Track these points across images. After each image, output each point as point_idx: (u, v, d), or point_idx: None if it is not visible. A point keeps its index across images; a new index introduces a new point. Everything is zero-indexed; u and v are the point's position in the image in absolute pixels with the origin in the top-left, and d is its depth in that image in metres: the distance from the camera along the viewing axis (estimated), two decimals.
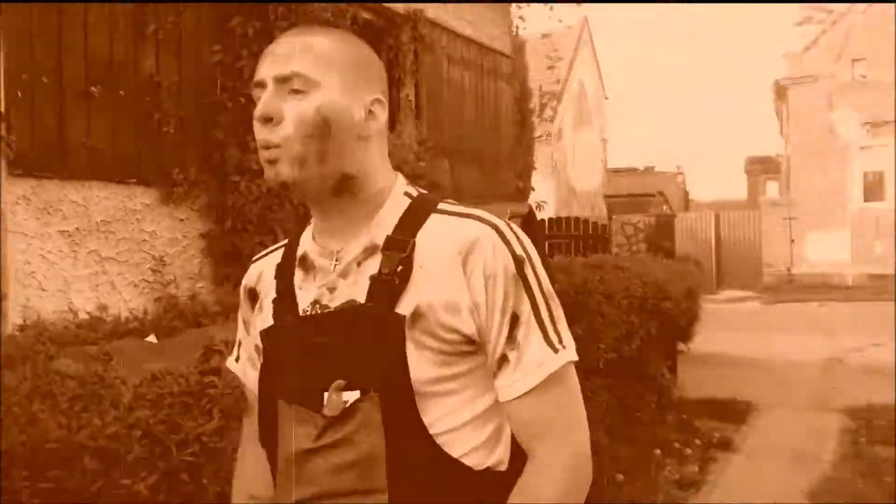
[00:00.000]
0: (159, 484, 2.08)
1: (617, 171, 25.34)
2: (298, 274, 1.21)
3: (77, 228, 3.72)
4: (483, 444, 1.14)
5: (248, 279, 1.31)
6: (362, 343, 1.11)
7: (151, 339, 3.24)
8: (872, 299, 14.98)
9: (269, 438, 1.21)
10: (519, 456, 1.15)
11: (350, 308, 1.13)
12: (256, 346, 1.25)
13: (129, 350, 2.87)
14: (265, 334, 1.22)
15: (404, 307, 1.10)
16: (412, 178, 4.41)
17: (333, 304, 1.14)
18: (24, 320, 3.08)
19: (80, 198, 3.74)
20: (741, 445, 5.67)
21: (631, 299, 5.45)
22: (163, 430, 2.21)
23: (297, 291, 1.20)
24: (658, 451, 5.14)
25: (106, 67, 3.90)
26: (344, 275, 1.15)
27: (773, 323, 12.30)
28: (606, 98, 24.26)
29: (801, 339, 10.18)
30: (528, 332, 1.12)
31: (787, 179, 20.27)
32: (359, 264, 1.15)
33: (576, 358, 1.14)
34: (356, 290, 1.13)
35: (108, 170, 3.88)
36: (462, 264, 1.10)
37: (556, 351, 1.12)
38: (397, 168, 4.15)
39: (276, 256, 1.28)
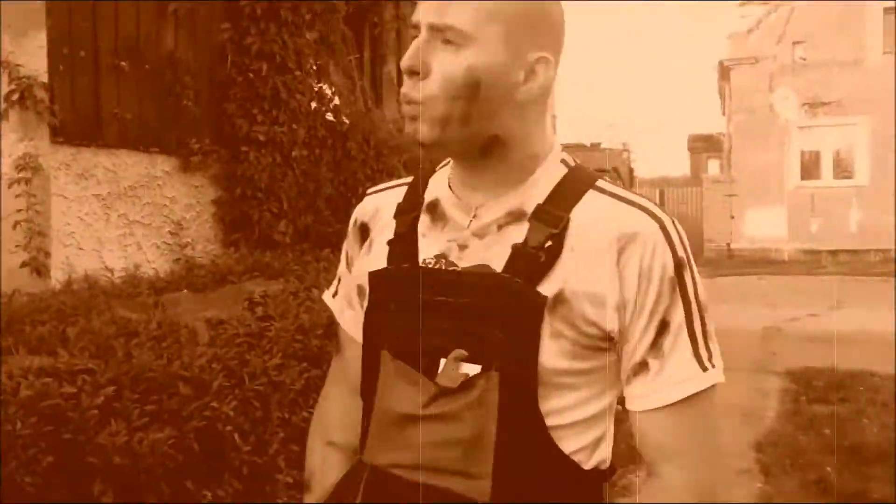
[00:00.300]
0: (237, 408, 2.45)
1: (565, 147, 25.71)
2: (424, 220, 1.10)
3: (109, 193, 4.00)
4: (589, 445, 1.06)
5: (361, 212, 1.21)
6: (493, 316, 1.00)
7: (185, 293, 3.55)
8: (807, 273, 15.77)
9: (368, 388, 1.12)
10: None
11: (485, 273, 1.02)
12: (359, 287, 1.16)
13: (180, 301, 3.19)
14: (376, 277, 1.11)
15: (547, 288, 1.00)
16: (392, 151, 4.71)
17: (462, 264, 1.04)
18: (70, 276, 3.37)
19: (112, 164, 4.01)
20: None
21: None
22: (236, 364, 2.57)
23: (420, 238, 1.09)
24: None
25: (133, 43, 4.16)
26: (480, 235, 1.05)
27: (714, 295, 12.51)
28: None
29: (742, 309, 10.68)
30: (677, 342, 1.01)
31: (728, 157, 20.96)
32: (499, 228, 1.04)
33: (723, 380, 1.03)
34: (491, 255, 1.03)
35: (134, 139, 4.15)
36: (617, 255, 1.00)
37: (704, 369, 1.01)
38: (382, 143, 4.55)
39: (397, 194, 1.17)
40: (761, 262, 17.37)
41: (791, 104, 18.90)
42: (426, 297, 1.04)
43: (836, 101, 18.38)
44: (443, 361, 1.02)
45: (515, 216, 1.05)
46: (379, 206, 1.18)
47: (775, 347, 8.30)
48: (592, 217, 1.02)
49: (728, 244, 18.79)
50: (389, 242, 1.12)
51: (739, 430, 5.48)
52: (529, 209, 1.04)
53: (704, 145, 26.73)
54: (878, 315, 9.58)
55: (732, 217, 18.77)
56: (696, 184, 21.13)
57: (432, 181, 1.15)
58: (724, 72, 20.55)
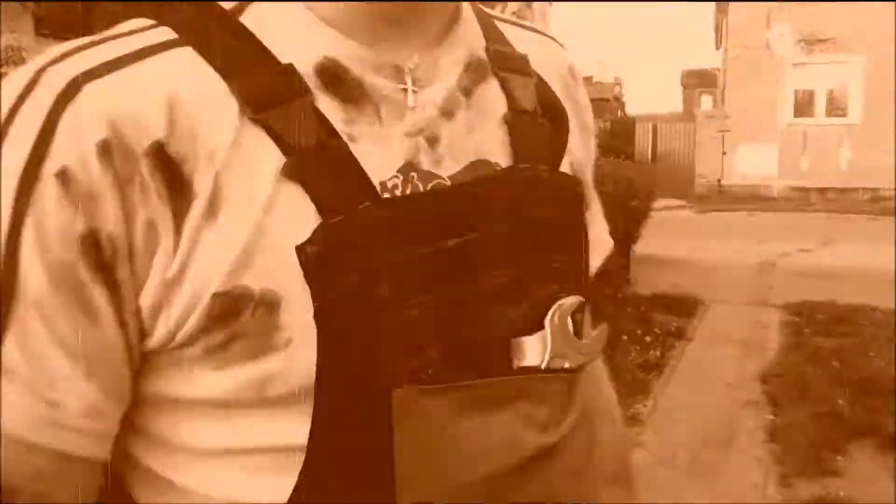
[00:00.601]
0: None
1: None
2: (328, 106, 0.55)
3: None
4: None
5: (134, 126, 0.51)
6: (545, 240, 0.62)
7: None
8: (796, 210, 15.77)
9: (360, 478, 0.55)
10: None
11: (512, 173, 0.61)
12: (218, 300, 0.52)
13: None
14: (316, 253, 0.53)
15: (564, 167, 0.67)
16: None
17: (446, 169, 0.59)
18: None
19: None
20: (694, 335, 6.12)
21: (604, 196, 5.73)
22: None
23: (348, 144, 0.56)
24: (625, 338, 5.53)
25: None
26: (447, 112, 0.60)
27: (706, 230, 12.81)
28: (550, 4, 24.14)
29: (734, 244, 10.67)
30: (596, 202, 0.80)
31: (722, 93, 20.73)
32: (468, 93, 0.62)
33: None
34: (480, 141, 0.61)
35: None
36: (578, 98, 0.73)
37: None
38: None
39: (197, 71, 0.53)
40: (751, 199, 17.31)
41: (787, 40, 18.60)
42: (424, 251, 0.56)
43: (831, 39, 18.10)
44: (527, 340, 0.59)
45: (478, 70, 0.64)
46: (172, 101, 0.52)
47: (771, 281, 8.22)
48: (530, 52, 0.69)
49: (719, 180, 18.68)
50: (290, 170, 0.53)
51: (742, 361, 5.42)
52: (484, 55, 0.65)
53: (698, 81, 26.43)
54: (869, 251, 9.54)
55: (724, 153, 18.62)
56: (689, 120, 20.91)
57: (267, 23, 0.56)
58: (722, 6, 20.16)
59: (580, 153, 0.71)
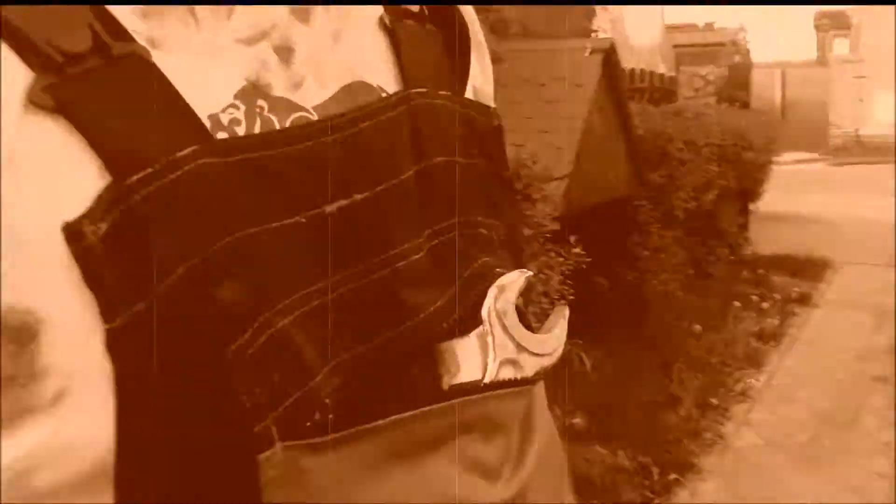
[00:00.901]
0: None
1: (675, 27, 24.36)
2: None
3: None
4: None
5: None
6: (466, 193, 0.46)
7: None
8: None
9: None
10: None
11: (406, 102, 0.43)
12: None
13: None
14: (106, 242, 0.32)
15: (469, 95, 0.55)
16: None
17: (309, 96, 0.41)
18: None
19: None
20: (820, 300, 5.60)
21: (711, 147, 5.27)
22: None
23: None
24: (737, 304, 5.09)
25: None
26: (301, 11, 0.42)
27: (841, 184, 12.08)
28: None
29: (871, 200, 9.94)
30: None
31: (857, 36, 19.46)
32: None
33: None
34: (353, 53, 0.44)
35: None
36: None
37: None
38: None
39: None
40: (891, 149, 16.16)
41: None
42: (291, 221, 0.37)
43: None
44: (459, 344, 0.41)
45: None
46: None
47: None
48: None
49: (856, 130, 17.63)
50: (45, 95, 0.32)
51: (874, 331, 4.94)
52: None
53: (832, 22, 24.80)
54: None
55: (861, 100, 17.52)
56: (822, 64, 19.66)
57: None
58: None
59: (479, 79, 0.53)
